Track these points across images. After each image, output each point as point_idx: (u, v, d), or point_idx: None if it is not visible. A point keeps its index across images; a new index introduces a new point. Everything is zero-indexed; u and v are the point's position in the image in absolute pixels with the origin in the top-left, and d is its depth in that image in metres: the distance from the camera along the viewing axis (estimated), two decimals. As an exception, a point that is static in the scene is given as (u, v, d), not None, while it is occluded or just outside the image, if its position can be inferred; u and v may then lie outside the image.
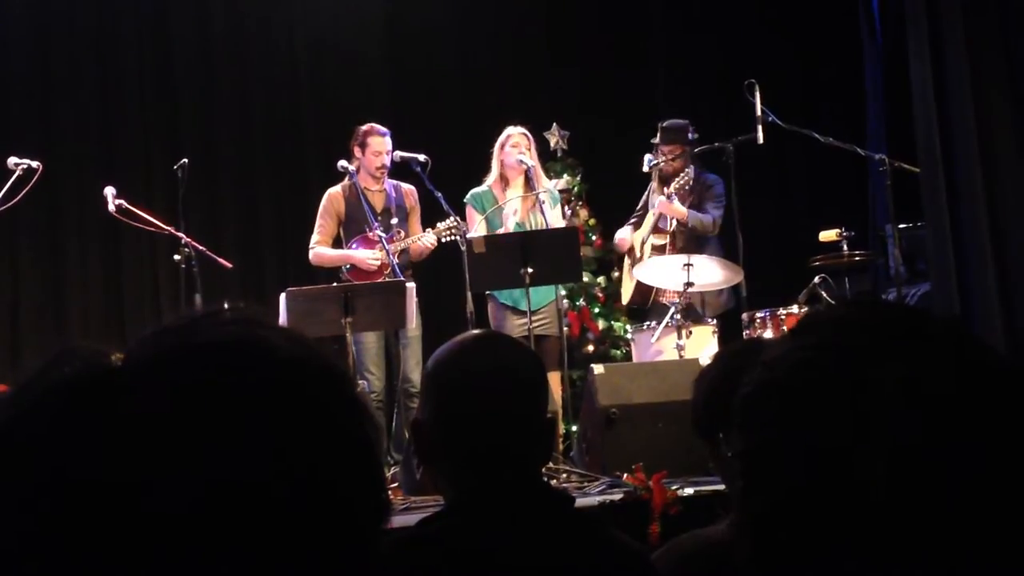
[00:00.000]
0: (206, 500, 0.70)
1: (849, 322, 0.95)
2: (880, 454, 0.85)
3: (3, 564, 0.71)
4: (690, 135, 6.91)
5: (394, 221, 6.66)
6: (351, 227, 6.69)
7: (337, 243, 6.75)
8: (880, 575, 0.87)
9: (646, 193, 7.10)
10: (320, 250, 6.72)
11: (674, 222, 6.78)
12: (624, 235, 7.11)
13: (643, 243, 6.93)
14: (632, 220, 7.14)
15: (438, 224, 6.53)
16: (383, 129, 6.73)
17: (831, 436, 0.88)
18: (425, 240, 6.54)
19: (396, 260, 6.42)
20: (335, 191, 6.74)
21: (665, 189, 6.73)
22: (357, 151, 6.72)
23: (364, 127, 6.74)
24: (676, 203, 6.67)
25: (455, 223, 6.44)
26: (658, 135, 6.97)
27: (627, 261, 7.10)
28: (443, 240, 6.52)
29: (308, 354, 0.78)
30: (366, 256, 6.57)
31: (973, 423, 0.87)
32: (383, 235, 6.47)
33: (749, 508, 0.94)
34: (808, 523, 0.89)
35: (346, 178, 6.69)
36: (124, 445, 0.71)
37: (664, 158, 6.87)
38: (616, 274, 7.91)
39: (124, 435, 0.71)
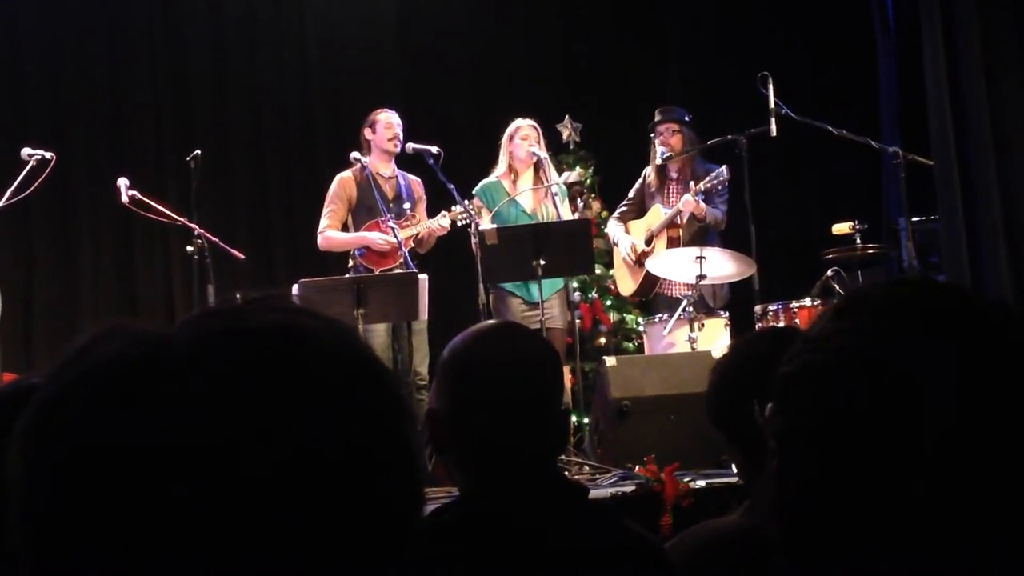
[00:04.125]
0: (247, 488, 0.70)
1: (897, 305, 0.93)
2: (928, 444, 0.84)
3: (45, 544, 0.71)
4: (687, 118, 7.00)
5: (406, 206, 6.67)
6: (361, 213, 6.67)
7: (345, 230, 6.74)
8: (912, 565, 0.86)
9: (639, 183, 7.10)
10: (330, 234, 6.69)
11: (687, 216, 6.78)
12: (614, 232, 7.13)
13: (653, 236, 6.91)
14: (622, 210, 7.14)
15: (453, 207, 6.52)
16: (388, 109, 6.81)
17: (877, 423, 0.87)
18: (441, 222, 6.52)
19: (407, 250, 6.42)
20: (346, 175, 6.74)
21: (692, 185, 6.71)
22: (367, 132, 6.76)
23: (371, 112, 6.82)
24: (701, 203, 6.68)
25: (470, 207, 6.46)
26: (656, 116, 7.03)
27: (620, 254, 7.09)
28: (458, 224, 6.52)
29: (352, 345, 0.78)
30: (378, 236, 6.56)
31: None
32: (394, 226, 6.47)
33: (783, 489, 0.93)
34: (844, 507, 0.88)
35: (356, 167, 6.70)
36: (166, 427, 0.70)
37: (663, 139, 6.91)
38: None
39: (167, 417, 0.71)
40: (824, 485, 0.89)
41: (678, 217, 6.78)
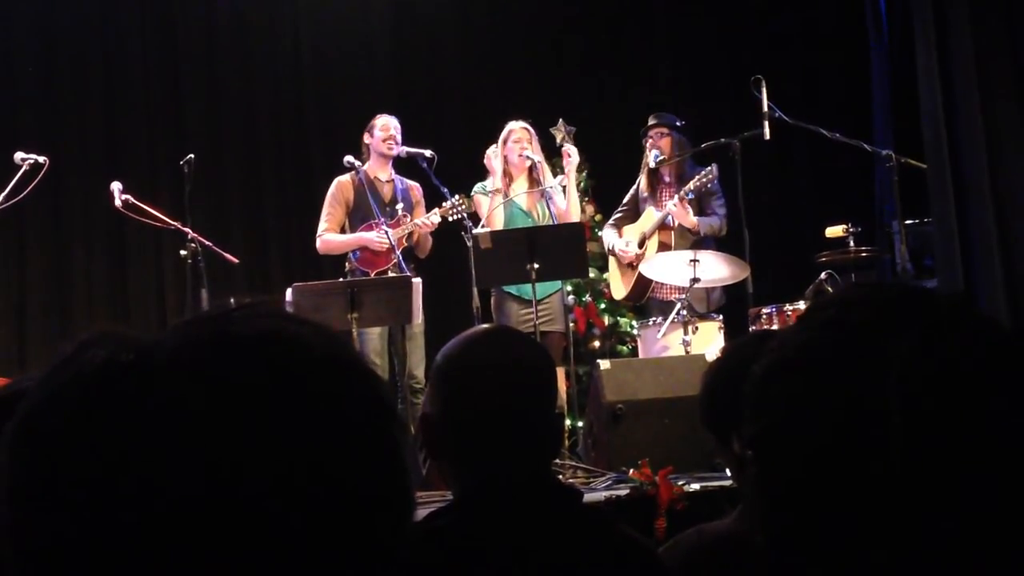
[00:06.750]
0: (235, 493, 0.70)
1: (854, 301, 0.94)
2: (895, 428, 0.84)
3: (32, 551, 0.71)
4: (678, 123, 7.04)
5: (399, 206, 6.69)
6: (357, 217, 6.72)
7: (343, 233, 6.76)
8: (898, 556, 0.86)
9: (634, 189, 7.12)
10: (329, 237, 6.73)
11: (677, 220, 6.79)
12: (608, 237, 7.15)
13: (646, 239, 6.93)
14: (617, 216, 7.16)
15: (443, 203, 6.53)
16: (388, 114, 6.86)
17: (843, 413, 0.87)
18: (431, 218, 6.55)
19: (400, 253, 6.43)
20: (344, 179, 6.78)
21: (679, 193, 6.73)
22: (367, 137, 6.84)
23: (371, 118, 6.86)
24: (690, 213, 6.70)
25: (460, 202, 6.47)
26: (649, 121, 7.09)
27: (613, 257, 7.13)
28: (449, 219, 6.53)
29: (340, 352, 0.79)
30: (374, 234, 6.58)
31: (987, 394, 0.86)
32: (387, 228, 6.48)
33: (764, 493, 0.93)
34: (824, 505, 0.88)
35: (352, 171, 6.71)
36: (153, 434, 0.71)
37: (653, 142, 6.94)
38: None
39: (153, 424, 0.71)
40: (803, 486, 0.89)
41: (669, 219, 6.80)
